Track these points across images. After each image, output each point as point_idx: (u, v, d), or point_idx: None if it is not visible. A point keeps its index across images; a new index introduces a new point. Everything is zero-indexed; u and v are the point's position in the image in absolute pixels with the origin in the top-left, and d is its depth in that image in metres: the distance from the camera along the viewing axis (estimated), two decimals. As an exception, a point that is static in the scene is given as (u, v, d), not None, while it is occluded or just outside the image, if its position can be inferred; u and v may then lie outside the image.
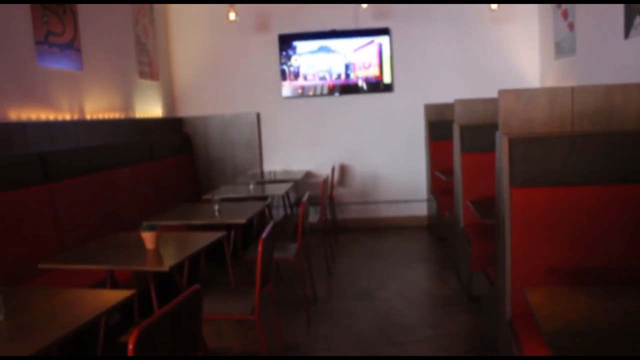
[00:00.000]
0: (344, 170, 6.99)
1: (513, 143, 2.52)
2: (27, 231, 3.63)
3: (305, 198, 4.10)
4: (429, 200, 6.71)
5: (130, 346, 1.59)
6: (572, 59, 5.37)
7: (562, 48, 5.61)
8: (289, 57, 6.81)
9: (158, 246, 2.99)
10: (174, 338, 1.85)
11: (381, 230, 6.87)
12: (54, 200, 3.92)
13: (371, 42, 6.70)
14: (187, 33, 6.97)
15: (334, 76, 6.79)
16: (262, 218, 6.18)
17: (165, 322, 1.78)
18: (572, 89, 2.56)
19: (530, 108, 2.59)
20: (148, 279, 3.15)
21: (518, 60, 6.58)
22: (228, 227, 4.40)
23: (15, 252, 3.47)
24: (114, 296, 2.22)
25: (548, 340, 1.66)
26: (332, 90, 6.81)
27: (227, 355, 3.53)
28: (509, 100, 2.59)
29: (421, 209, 6.94)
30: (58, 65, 4.50)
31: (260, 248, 2.82)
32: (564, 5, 5.49)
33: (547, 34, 6.14)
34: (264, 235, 2.88)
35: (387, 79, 6.73)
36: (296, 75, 6.84)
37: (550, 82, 6.09)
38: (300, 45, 6.79)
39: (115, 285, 3.28)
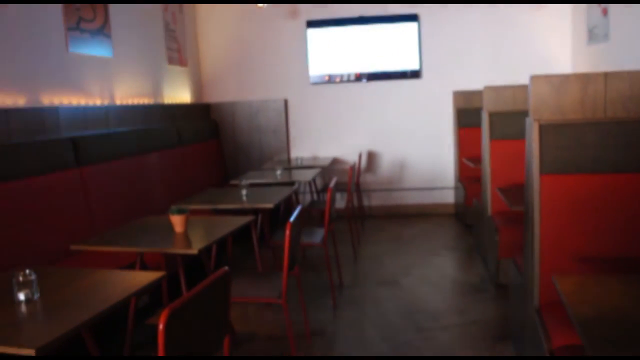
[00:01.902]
0: (371, 156, 6.97)
1: (543, 129, 2.49)
2: (60, 214, 3.72)
3: (332, 184, 4.10)
4: (456, 188, 6.67)
5: (160, 326, 1.62)
6: (605, 45, 5.25)
7: (595, 34, 5.49)
8: (316, 43, 6.79)
9: (186, 230, 3.03)
10: (203, 320, 1.88)
11: (408, 217, 6.85)
12: (85, 184, 3.99)
13: (399, 28, 6.63)
14: (215, 19, 6.99)
15: (361, 63, 6.76)
16: (289, 203, 6.21)
17: (195, 304, 1.80)
18: (605, 74, 2.51)
19: (562, 94, 2.54)
20: (177, 262, 3.19)
21: (549, 46, 6.45)
22: (255, 212, 4.43)
23: (49, 234, 3.56)
24: (144, 277, 2.26)
25: (578, 328, 1.64)
26: (359, 77, 6.78)
27: (253, 339, 3.58)
28: (540, 86, 2.55)
29: (448, 197, 6.90)
30: (89, 51, 4.56)
31: (287, 232, 2.83)
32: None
33: (579, 20, 6.01)
34: (291, 219, 2.89)
35: (414, 66, 6.67)
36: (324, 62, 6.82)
37: (582, 69, 5.97)
38: (328, 31, 6.75)
39: (144, 268, 3.34)
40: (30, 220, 3.45)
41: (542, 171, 2.50)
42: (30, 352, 1.60)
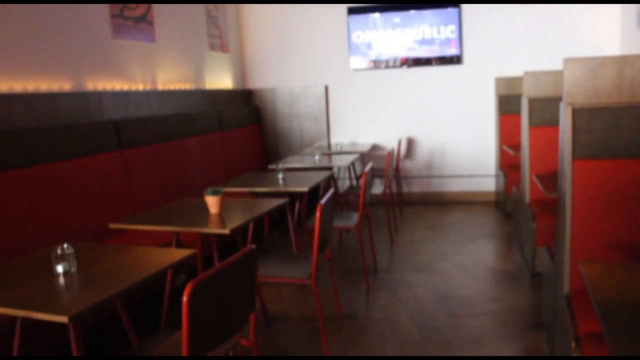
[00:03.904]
0: (410, 143, 6.94)
1: (577, 114, 2.45)
2: (103, 195, 3.86)
3: (367, 169, 4.12)
4: (497, 176, 6.58)
5: (185, 298, 1.70)
6: (655, 29, 5.07)
7: (645, 17, 5.30)
8: (358, 29, 6.78)
9: (221, 211, 3.11)
10: (228, 294, 1.94)
11: (447, 204, 6.81)
12: (127, 166, 4.12)
13: (441, 13, 6.56)
14: (257, 6, 7.05)
15: (403, 49, 6.71)
16: (328, 188, 6.26)
17: (221, 279, 1.87)
18: (644, 57, 2.45)
19: (597, 77, 2.49)
20: (211, 242, 3.28)
21: (597, 31, 6.25)
22: (293, 196, 4.49)
23: (91, 214, 3.70)
24: (177, 254, 2.34)
25: (598, 312, 1.63)
26: (404, 63, 6.74)
27: (287, 318, 3.64)
28: (575, 69, 2.50)
29: (489, 185, 6.81)
30: (132, 38, 4.69)
31: (318, 214, 2.87)
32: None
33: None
34: (322, 201, 2.93)
35: (456, 52, 6.59)
36: (365, 48, 6.80)
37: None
38: (369, 18, 6.73)
39: (180, 247, 3.44)
40: (74, 200, 3.60)
41: (575, 156, 2.46)
42: (64, 319, 1.69)
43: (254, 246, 2.06)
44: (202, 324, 1.80)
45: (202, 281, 1.75)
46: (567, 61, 2.52)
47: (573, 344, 2.18)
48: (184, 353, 1.74)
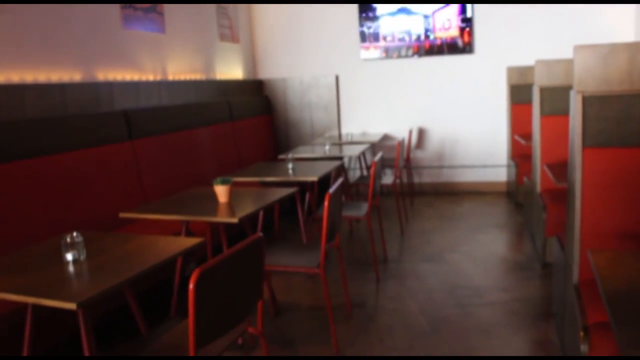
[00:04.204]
0: (421, 133, 6.91)
1: (587, 101, 2.42)
2: (113, 184, 3.88)
3: (377, 158, 4.11)
4: (508, 166, 6.54)
5: (191, 285, 1.71)
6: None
7: (660, 5, 5.23)
8: (368, 19, 6.75)
9: (231, 200, 3.12)
10: (235, 282, 1.95)
11: (458, 195, 6.78)
12: (137, 156, 4.14)
13: (452, 2, 6.50)
14: (267, -5, 7.04)
15: (414, 38, 6.67)
16: (338, 178, 6.25)
17: (227, 266, 1.87)
18: (656, 44, 2.41)
19: (608, 65, 2.46)
20: (220, 231, 3.29)
21: (611, 19, 6.17)
22: (303, 186, 4.49)
23: (102, 203, 3.73)
24: (186, 242, 2.35)
25: (605, 301, 1.62)
26: (415, 53, 6.70)
27: (297, 308, 3.65)
28: (585, 56, 2.47)
29: (500, 175, 6.77)
30: (142, 28, 4.69)
31: (326, 203, 2.87)
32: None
33: (644, -10, 5.73)
34: (331, 190, 2.93)
35: (467, 41, 6.54)
36: (376, 38, 6.77)
37: (646, 42, 5.70)
38: (379, 8, 6.70)
39: (190, 236, 3.45)
40: (84, 190, 3.63)
41: (585, 144, 2.44)
42: (72, 306, 1.71)
43: (261, 234, 2.07)
44: (209, 311, 1.81)
45: (209, 268, 1.76)
46: (578, 48, 2.49)
47: (581, 334, 2.17)
48: (191, 340, 1.76)
